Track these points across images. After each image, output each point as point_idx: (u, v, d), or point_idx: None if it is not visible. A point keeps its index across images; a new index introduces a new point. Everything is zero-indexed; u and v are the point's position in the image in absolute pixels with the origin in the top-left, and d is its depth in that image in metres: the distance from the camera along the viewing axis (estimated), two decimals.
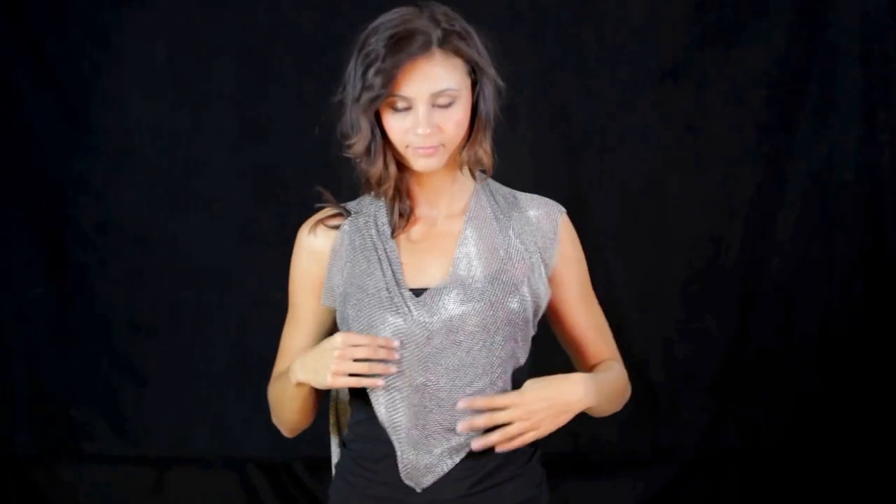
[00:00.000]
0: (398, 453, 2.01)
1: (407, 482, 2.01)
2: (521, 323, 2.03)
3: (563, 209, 2.13)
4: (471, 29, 2.01)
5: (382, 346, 1.94)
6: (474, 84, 2.00)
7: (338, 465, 2.16)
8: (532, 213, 2.10)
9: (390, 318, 1.99)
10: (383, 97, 1.94)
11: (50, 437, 4.09)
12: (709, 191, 3.89)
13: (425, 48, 1.93)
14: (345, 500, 2.11)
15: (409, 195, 2.09)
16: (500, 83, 2.04)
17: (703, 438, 3.95)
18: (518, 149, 3.80)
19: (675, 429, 3.95)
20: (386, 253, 2.05)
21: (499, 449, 1.96)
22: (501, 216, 2.09)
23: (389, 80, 1.92)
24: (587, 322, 2.17)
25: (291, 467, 4.04)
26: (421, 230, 2.09)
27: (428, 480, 2.00)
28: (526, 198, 2.13)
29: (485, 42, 2.03)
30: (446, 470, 2.00)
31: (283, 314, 3.86)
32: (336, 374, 1.93)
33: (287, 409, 2.12)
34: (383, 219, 2.08)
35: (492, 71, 2.02)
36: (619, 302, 3.89)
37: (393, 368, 1.95)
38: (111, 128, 3.99)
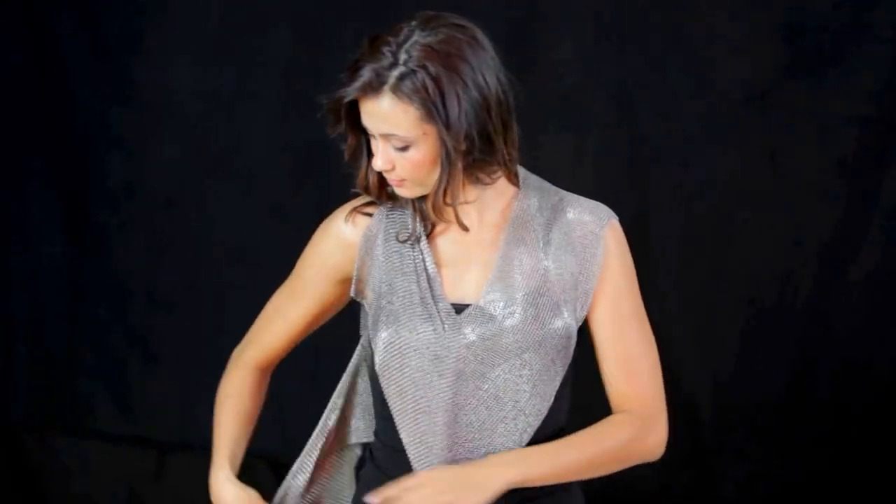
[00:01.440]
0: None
1: None
2: (562, 344, 2.00)
3: (614, 215, 2.06)
4: (445, 64, 1.90)
5: None
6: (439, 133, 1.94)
7: (362, 473, 2.18)
8: (575, 218, 2.04)
9: (421, 329, 1.98)
10: (339, 126, 1.97)
11: (49, 406, 4.11)
12: (781, 226, 3.82)
13: (375, 89, 1.90)
14: None
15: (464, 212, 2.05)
16: (482, 105, 1.92)
17: (744, 489, 3.89)
18: (584, 163, 3.76)
19: (717, 473, 3.91)
20: (422, 254, 2.04)
21: None
22: (543, 225, 2.04)
23: (338, 110, 1.95)
24: (616, 351, 2.05)
25: None
26: (454, 236, 2.05)
27: None
28: (572, 201, 2.07)
29: (480, 63, 1.93)
30: None
31: None
32: None
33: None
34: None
35: (463, 105, 1.90)
36: (672, 336, 3.78)
37: None
38: (151, 84, 3.98)
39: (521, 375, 1.97)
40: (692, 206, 3.83)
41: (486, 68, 1.92)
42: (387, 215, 2.06)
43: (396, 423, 2.00)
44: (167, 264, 4.01)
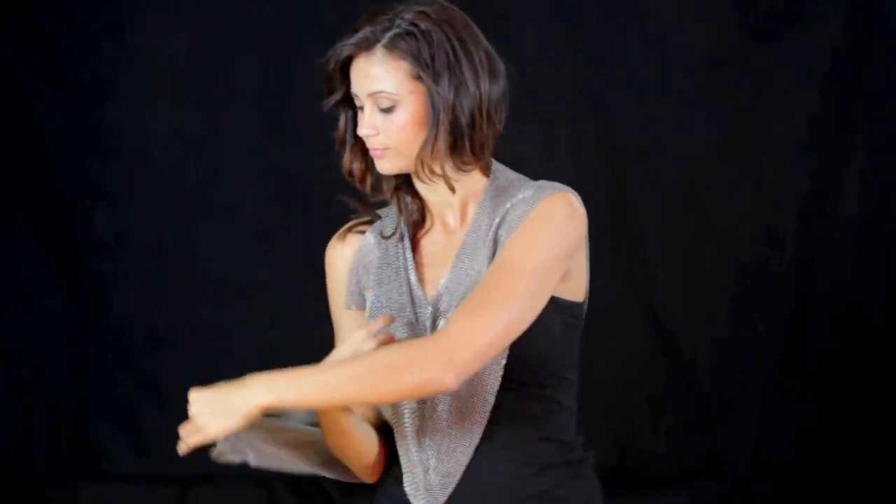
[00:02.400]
0: (404, 470, 1.99)
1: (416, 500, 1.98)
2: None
3: (568, 191, 1.96)
4: (443, 30, 1.93)
5: None
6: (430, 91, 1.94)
7: (383, 476, 2.11)
8: (520, 197, 1.97)
9: (400, 333, 1.97)
10: (339, 91, 1.97)
11: (67, 456, 4.09)
12: (759, 189, 3.86)
13: (367, 46, 1.92)
14: None
15: (426, 207, 2.05)
16: (472, 83, 1.93)
17: (754, 449, 3.91)
18: (557, 144, 3.76)
19: (727, 440, 3.91)
20: (405, 260, 2.02)
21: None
22: (496, 226, 1.98)
23: (338, 73, 1.95)
24: (476, 286, 1.91)
25: (321, 484, 3.99)
26: (438, 237, 2.05)
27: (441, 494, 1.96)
28: (531, 185, 1.99)
29: (459, 48, 1.93)
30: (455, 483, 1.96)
31: (310, 318, 3.76)
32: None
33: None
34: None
35: (453, 74, 1.92)
36: (664, 306, 3.86)
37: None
38: (127, 131, 3.99)
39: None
40: (669, 177, 3.85)
41: (478, 45, 1.95)
42: (380, 230, 2.06)
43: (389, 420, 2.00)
44: (165, 304, 4.00)
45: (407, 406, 1.96)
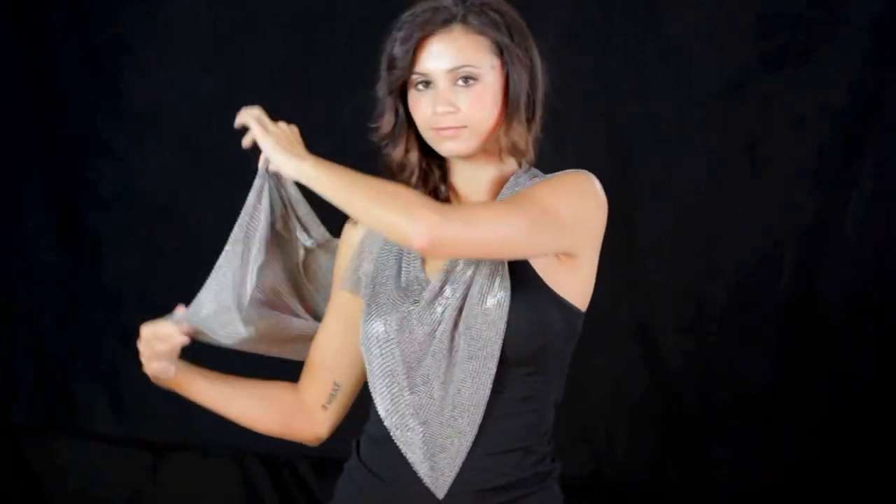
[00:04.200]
0: (409, 457, 1.98)
1: (432, 488, 1.97)
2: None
3: (586, 173, 2.03)
4: (511, 15, 1.99)
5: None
6: (505, 68, 1.97)
7: (347, 465, 2.14)
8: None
9: (401, 306, 1.99)
10: (403, 74, 1.96)
11: (47, 409, 4.13)
12: (762, 216, 3.85)
13: (445, 24, 1.95)
14: (350, 499, 2.09)
15: (451, 188, 2.07)
16: (537, 68, 2.01)
17: (733, 476, 3.90)
18: (567, 160, 3.74)
19: (705, 462, 3.92)
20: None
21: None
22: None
23: (407, 55, 1.95)
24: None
25: (295, 466, 4.05)
26: None
27: (447, 480, 1.97)
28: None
29: (533, 40, 2.01)
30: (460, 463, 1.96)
31: None
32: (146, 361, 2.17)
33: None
34: None
35: (525, 55, 1.98)
36: (658, 323, 3.87)
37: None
38: (141, 92, 4.01)
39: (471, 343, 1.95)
40: (675, 199, 3.85)
41: (531, 37, 2.00)
42: None
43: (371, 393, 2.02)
44: (160, 269, 4.01)
45: (401, 396, 1.97)
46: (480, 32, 1.94)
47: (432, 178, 2.06)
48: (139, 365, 3.82)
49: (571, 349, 2.04)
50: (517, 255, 1.92)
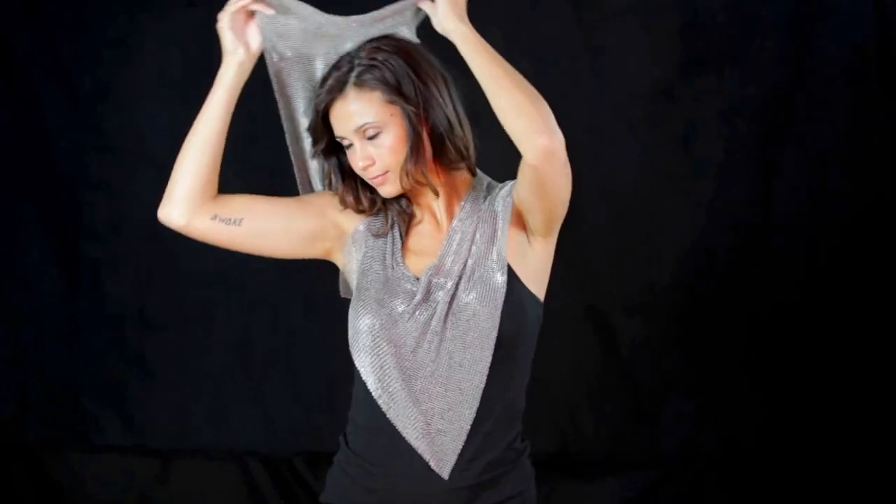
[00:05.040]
0: (414, 444, 2.05)
1: (436, 469, 2.05)
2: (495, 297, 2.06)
3: None
4: (398, 54, 2.06)
5: None
6: (404, 109, 2.06)
7: (337, 457, 2.19)
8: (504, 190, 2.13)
9: (389, 302, 2.06)
10: (324, 141, 2.08)
11: (60, 426, 4.13)
12: (700, 202, 3.91)
13: (339, 90, 2.05)
14: (344, 490, 2.14)
15: (419, 206, 2.17)
16: (435, 94, 2.08)
17: (686, 442, 3.97)
18: (515, 161, 3.83)
19: (659, 432, 3.96)
20: (393, 243, 2.13)
21: None
22: (488, 207, 2.13)
23: (320, 125, 2.06)
24: None
25: (291, 462, 4.08)
26: (425, 229, 2.16)
27: (449, 462, 2.05)
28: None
29: (419, 60, 2.09)
30: (458, 450, 2.05)
31: (282, 314, 3.81)
32: (223, 14, 2.07)
33: (204, 124, 2.20)
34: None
35: (419, 90, 2.06)
36: (607, 307, 3.92)
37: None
38: (124, 129, 4.04)
39: (466, 332, 2.04)
40: (618, 192, 3.90)
41: (430, 62, 2.09)
42: (369, 226, 2.16)
43: (365, 381, 2.06)
44: (155, 290, 4.04)
45: (394, 377, 2.04)
46: (371, 89, 2.03)
47: (398, 205, 2.15)
48: (143, 378, 3.76)
49: (537, 334, 2.13)
50: (564, 194, 2.06)
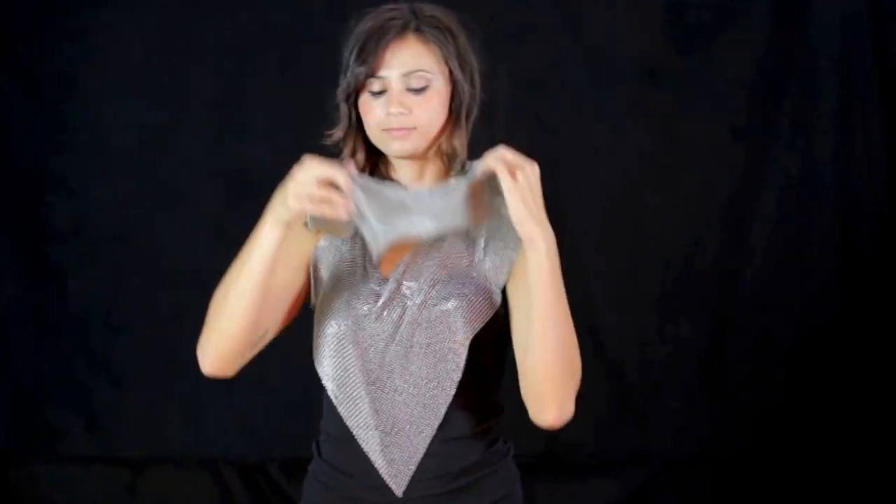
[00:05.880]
0: (370, 456, 2.03)
1: (391, 484, 2.02)
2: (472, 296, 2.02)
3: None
4: (457, 29, 2.04)
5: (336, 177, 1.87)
6: (452, 77, 2.02)
7: (311, 467, 2.17)
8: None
9: (355, 304, 2.02)
10: (361, 78, 1.98)
11: (24, 435, 4.11)
12: (685, 195, 3.90)
13: (400, 31, 1.98)
14: (319, 500, 2.12)
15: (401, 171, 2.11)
16: (477, 79, 2.06)
17: (676, 441, 3.97)
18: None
19: (648, 432, 3.96)
20: (362, 240, 2.06)
21: (484, 169, 1.88)
22: None
23: (364, 64, 1.96)
24: None
25: (266, 468, 4.06)
26: None
27: (405, 476, 2.02)
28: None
29: (472, 45, 2.06)
30: (419, 458, 2.02)
31: None
32: (297, 195, 1.85)
33: (240, 291, 2.00)
34: None
35: (468, 67, 2.04)
36: (595, 305, 3.91)
37: (351, 205, 1.85)
38: (87, 126, 4.00)
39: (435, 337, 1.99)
40: (602, 183, 3.90)
41: (472, 46, 2.05)
42: (330, 238, 2.09)
43: (330, 395, 2.03)
44: (121, 293, 4.01)
45: (359, 381, 2.00)
46: (432, 43, 1.99)
47: (378, 175, 2.08)
48: (110, 384, 3.76)
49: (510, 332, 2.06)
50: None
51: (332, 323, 2.02)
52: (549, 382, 1.92)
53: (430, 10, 2.04)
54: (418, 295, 2.00)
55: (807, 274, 3.90)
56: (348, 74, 1.99)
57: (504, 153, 1.86)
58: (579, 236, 3.88)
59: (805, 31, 3.84)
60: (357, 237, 2.05)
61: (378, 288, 2.03)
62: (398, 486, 2.01)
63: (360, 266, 2.06)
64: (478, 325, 1.99)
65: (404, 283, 2.02)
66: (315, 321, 2.07)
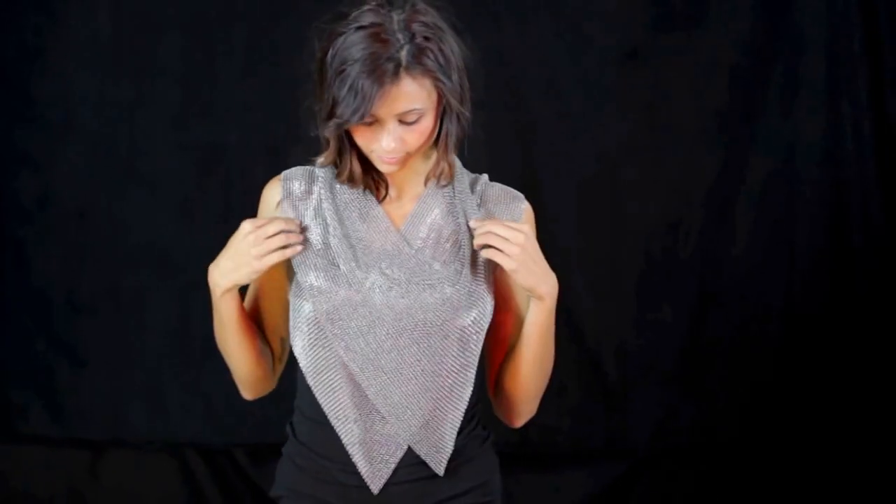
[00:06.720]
0: (349, 450, 2.03)
1: (369, 483, 2.03)
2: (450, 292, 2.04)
3: (523, 199, 2.14)
4: (447, 43, 1.98)
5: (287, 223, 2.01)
6: (441, 95, 1.99)
7: (285, 448, 2.16)
8: (492, 207, 2.11)
9: (342, 291, 2.01)
10: (351, 123, 1.94)
11: None
12: (667, 178, 3.89)
13: (395, 74, 1.91)
14: (294, 483, 2.11)
15: (388, 181, 2.11)
16: (466, 88, 2.02)
17: (656, 432, 3.97)
18: (472, 137, 3.78)
19: (628, 422, 3.96)
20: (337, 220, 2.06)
21: (477, 244, 1.99)
22: (454, 200, 2.09)
23: (356, 112, 1.91)
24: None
25: (232, 454, 4.03)
26: (390, 208, 2.10)
27: (383, 476, 2.03)
28: (486, 186, 2.13)
29: (457, 38, 2.01)
30: (400, 455, 2.03)
31: None
32: (259, 255, 1.97)
33: (232, 348, 2.10)
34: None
35: (458, 83, 2.00)
36: (573, 291, 3.88)
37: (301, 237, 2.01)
38: (52, 100, 3.96)
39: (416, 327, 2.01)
40: (580, 166, 3.87)
41: (460, 46, 2.01)
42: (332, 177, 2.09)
43: (309, 382, 2.04)
44: (85, 271, 3.97)
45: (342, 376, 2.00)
46: (424, 75, 1.93)
47: (368, 177, 2.08)
48: (72, 365, 3.75)
49: (489, 321, 2.06)
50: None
51: (307, 305, 2.01)
52: (524, 403, 2.11)
53: (421, 26, 1.95)
54: (404, 281, 2.01)
55: (793, 261, 3.89)
56: (337, 111, 1.92)
57: (489, 236, 1.97)
58: (557, 220, 3.86)
59: (791, 13, 3.82)
60: (325, 220, 2.05)
61: (363, 273, 2.02)
62: (376, 486, 2.03)
63: (334, 246, 2.03)
64: (475, 313, 2.01)
65: (392, 270, 2.02)
66: (290, 296, 2.07)
